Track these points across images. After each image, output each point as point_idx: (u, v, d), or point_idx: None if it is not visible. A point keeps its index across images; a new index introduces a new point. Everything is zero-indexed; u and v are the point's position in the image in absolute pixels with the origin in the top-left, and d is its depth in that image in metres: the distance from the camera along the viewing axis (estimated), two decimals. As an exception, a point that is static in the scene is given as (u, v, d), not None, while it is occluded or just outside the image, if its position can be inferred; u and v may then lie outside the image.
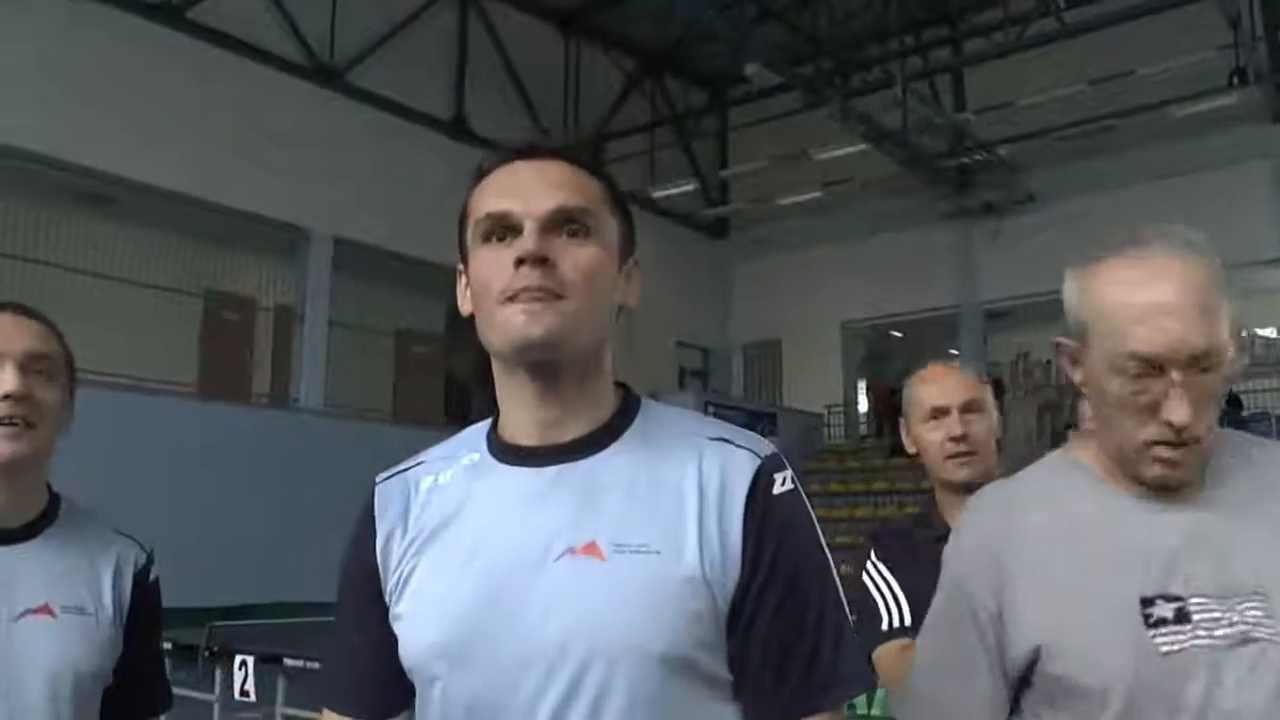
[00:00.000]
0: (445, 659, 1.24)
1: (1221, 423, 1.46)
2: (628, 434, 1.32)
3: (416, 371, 17.36)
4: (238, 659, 6.46)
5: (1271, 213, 18.05)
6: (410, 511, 1.35)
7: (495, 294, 1.26)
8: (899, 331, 23.72)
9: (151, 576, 1.81)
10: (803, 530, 1.29)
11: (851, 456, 20.74)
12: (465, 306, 1.36)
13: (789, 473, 1.30)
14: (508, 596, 1.22)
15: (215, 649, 6.80)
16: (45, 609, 1.65)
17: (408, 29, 17.35)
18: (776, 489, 1.27)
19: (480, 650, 1.22)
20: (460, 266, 1.37)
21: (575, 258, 1.27)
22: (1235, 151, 17.88)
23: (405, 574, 1.30)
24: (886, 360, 23.88)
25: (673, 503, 1.25)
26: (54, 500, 1.76)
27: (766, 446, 1.32)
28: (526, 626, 1.20)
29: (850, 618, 1.32)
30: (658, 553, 1.21)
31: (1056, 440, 18.99)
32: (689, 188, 21.30)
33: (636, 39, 20.74)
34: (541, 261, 1.24)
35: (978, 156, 19.96)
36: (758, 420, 20.03)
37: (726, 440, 1.31)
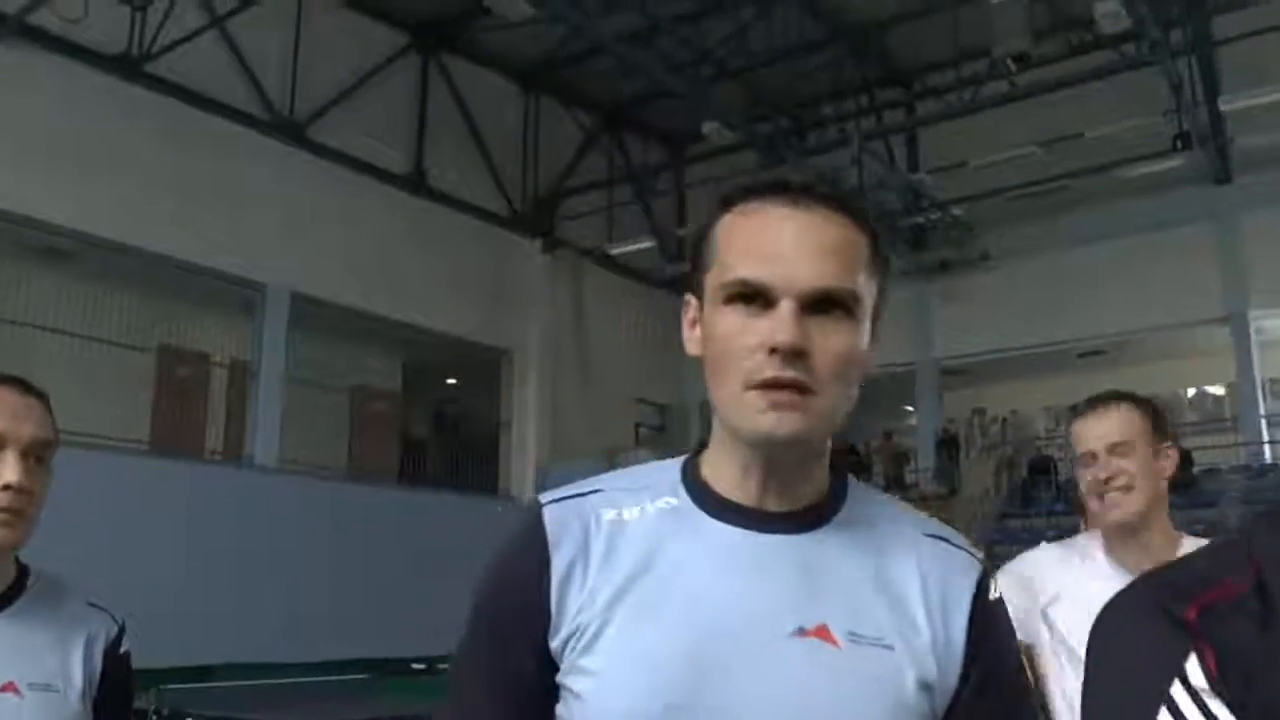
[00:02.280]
0: None
1: (1175, 482, 1.68)
2: (841, 515, 1.22)
3: (372, 429, 17.21)
4: (187, 722, 6.31)
5: (1217, 273, 18.40)
6: (592, 546, 1.18)
7: (738, 371, 1.14)
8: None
9: (123, 649, 1.77)
10: (1012, 639, 1.26)
11: (809, 513, 20.70)
12: (693, 348, 1.23)
13: (997, 579, 1.27)
14: (726, 670, 1.10)
15: (166, 713, 6.64)
16: (10, 686, 1.60)
17: (369, 84, 17.38)
18: (992, 595, 1.22)
19: None
20: (689, 297, 1.25)
21: (833, 346, 1.15)
22: (1182, 213, 18.26)
23: (586, 626, 1.14)
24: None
25: (899, 596, 1.17)
26: (23, 572, 1.72)
27: (979, 551, 1.27)
28: (744, 707, 1.09)
29: None
30: (891, 648, 1.14)
31: (1011, 496, 19.15)
32: (647, 245, 21.41)
33: (596, 96, 20.91)
34: (798, 355, 1.12)
35: (933, 215, 20.25)
36: (715, 476, 19.99)
37: (944, 539, 1.24)
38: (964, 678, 1.16)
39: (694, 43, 16.29)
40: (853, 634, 1.12)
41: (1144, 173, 17.52)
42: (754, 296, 1.13)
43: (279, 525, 13.80)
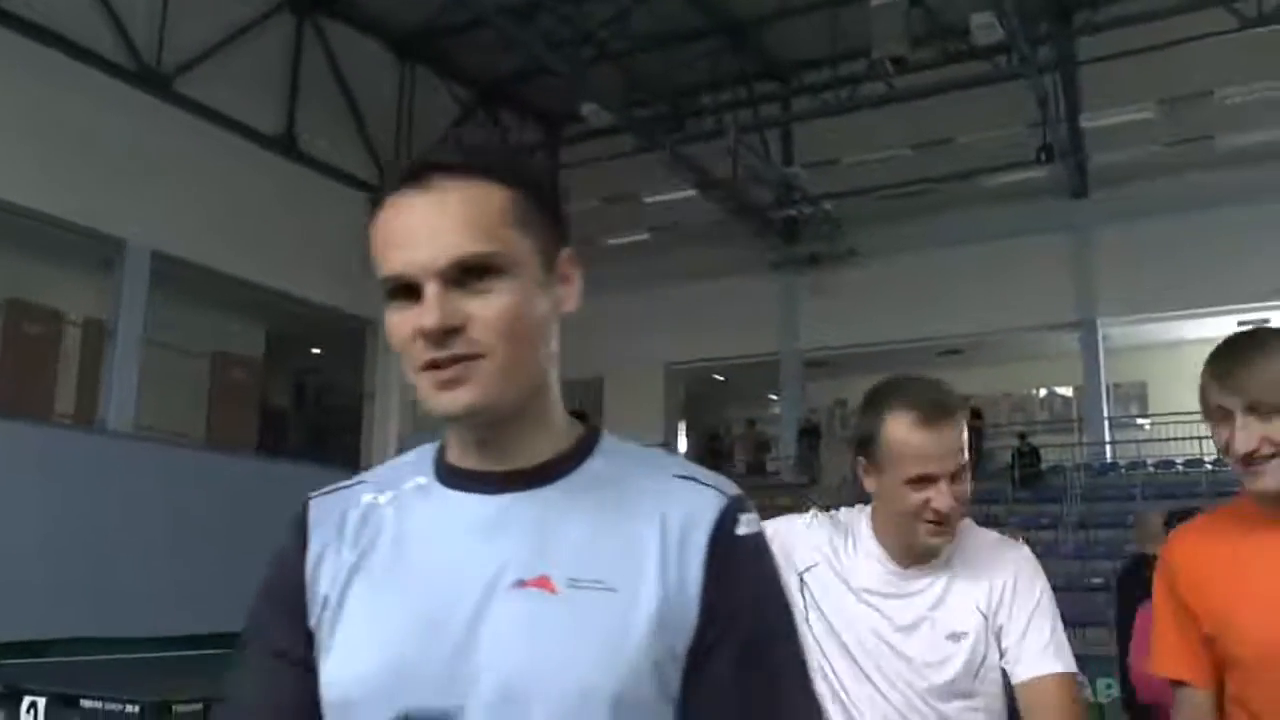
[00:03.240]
0: (373, 696, 1.13)
1: (1020, 477, 1.74)
2: (586, 466, 1.24)
3: (232, 396, 16.82)
4: (26, 700, 6.04)
5: (1068, 281, 19.14)
6: (346, 530, 1.24)
7: (409, 361, 1.16)
8: (721, 375, 24.15)
9: None
10: (767, 573, 1.23)
11: (670, 497, 20.91)
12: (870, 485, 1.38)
13: (754, 514, 1.24)
14: (448, 630, 1.13)
15: (1, 689, 6.34)
16: None
17: (241, 40, 16.91)
18: (741, 530, 1.20)
19: (413, 688, 1.12)
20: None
21: (492, 309, 1.15)
22: (1040, 222, 18.94)
23: (336, 600, 1.20)
24: (707, 402, 24.28)
25: (633, 540, 1.17)
26: None
27: (732, 486, 1.24)
28: (467, 662, 1.11)
29: (808, 667, 1.26)
30: (614, 590, 1.14)
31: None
32: (521, 222, 21.29)
33: (473, 69, 20.71)
34: (446, 334, 1.13)
35: (804, 210, 20.59)
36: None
37: (693, 478, 1.24)
38: (704, 613, 1.15)
39: (575, 22, 16.24)
40: (573, 580, 1.14)
41: (1008, 181, 18.15)
42: (406, 288, 1.15)
43: (133, 493, 13.38)
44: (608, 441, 1.30)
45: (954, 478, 2.07)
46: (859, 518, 2.30)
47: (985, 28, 13.90)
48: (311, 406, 20.04)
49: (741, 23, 18.85)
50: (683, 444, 23.99)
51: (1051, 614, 2.11)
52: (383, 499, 1.26)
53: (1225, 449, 1.85)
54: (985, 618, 2.10)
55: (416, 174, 1.17)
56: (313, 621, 1.21)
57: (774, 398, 23.23)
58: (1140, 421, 20.60)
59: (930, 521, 2.08)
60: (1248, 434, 1.79)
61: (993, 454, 19.87)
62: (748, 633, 1.18)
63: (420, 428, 18.97)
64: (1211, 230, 16.77)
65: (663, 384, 23.01)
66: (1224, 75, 16.15)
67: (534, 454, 1.22)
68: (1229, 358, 1.85)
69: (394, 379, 19.24)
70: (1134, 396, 21.77)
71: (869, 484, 2.20)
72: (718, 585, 1.16)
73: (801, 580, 2.22)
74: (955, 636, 2.10)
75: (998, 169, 18.02)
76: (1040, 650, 2.07)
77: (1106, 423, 19.73)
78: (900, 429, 2.08)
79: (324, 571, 1.22)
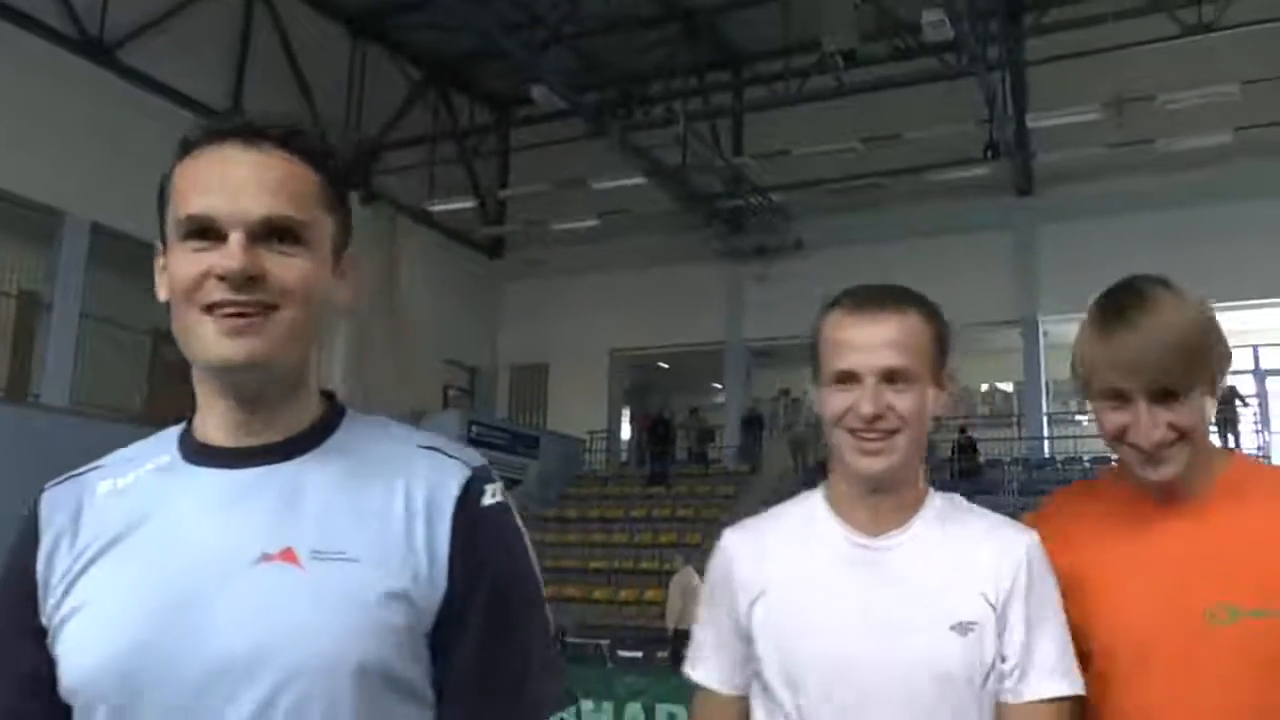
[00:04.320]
0: (115, 682, 1.11)
1: (959, 470, 1.67)
2: (333, 439, 1.25)
3: (171, 374, 16.56)
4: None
5: (1011, 278, 19.39)
6: (82, 519, 1.21)
7: (193, 300, 1.15)
8: (665, 363, 24.19)
9: None
10: (512, 544, 1.25)
11: (611, 483, 20.97)
12: (163, 293, 1.21)
13: (499, 485, 1.26)
14: (192, 608, 1.11)
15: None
16: None
17: (189, 11, 16.62)
18: (486, 500, 1.23)
19: (158, 670, 1.10)
20: (159, 244, 1.23)
21: (285, 270, 1.17)
22: (985, 219, 19.16)
23: (70, 590, 1.16)
24: (651, 390, 24.30)
25: (378, 511, 1.18)
26: None
27: (477, 458, 1.27)
28: (213, 640, 1.10)
29: (554, 637, 1.27)
30: (356, 560, 1.14)
31: (810, 475, 19.76)
32: (468, 204, 21.21)
33: (425, 49, 20.55)
34: (248, 279, 1.14)
35: (752, 200, 20.65)
36: (520, 443, 20.03)
37: (437, 450, 1.26)
38: (450, 583, 1.18)
39: (528, 5, 16.17)
40: (316, 552, 1.14)
41: (954, 177, 18.32)
42: (206, 234, 1.15)
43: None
44: (353, 415, 1.31)
45: (891, 379, 1.63)
46: (812, 494, 1.79)
47: (936, 25, 14.01)
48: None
49: (695, 11, 18.86)
50: (626, 431, 24.01)
51: (1064, 620, 1.63)
52: (122, 483, 1.24)
53: (1118, 435, 1.64)
54: (994, 609, 1.61)
55: (246, 133, 1.20)
56: (44, 619, 1.17)
57: (718, 386, 23.31)
58: (1079, 418, 20.91)
59: (854, 431, 1.65)
60: (1154, 422, 1.59)
61: (934, 446, 20.08)
62: (494, 603, 1.20)
63: (361, 412, 18.83)
64: (1152, 231, 17.03)
65: (608, 371, 23.01)
66: (1166, 80, 16.41)
67: (287, 427, 1.23)
68: (1118, 324, 1.61)
69: (335, 362, 19.07)
70: (1073, 393, 22.03)
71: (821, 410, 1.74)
72: (463, 556, 1.18)
73: (748, 618, 1.67)
74: (962, 628, 1.59)
75: (944, 165, 18.18)
76: (1052, 665, 1.60)
77: (1045, 418, 20.02)
78: (829, 323, 1.75)
79: (57, 564, 1.19)
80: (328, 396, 1.31)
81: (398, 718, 1.16)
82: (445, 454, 1.25)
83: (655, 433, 20.70)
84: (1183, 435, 1.61)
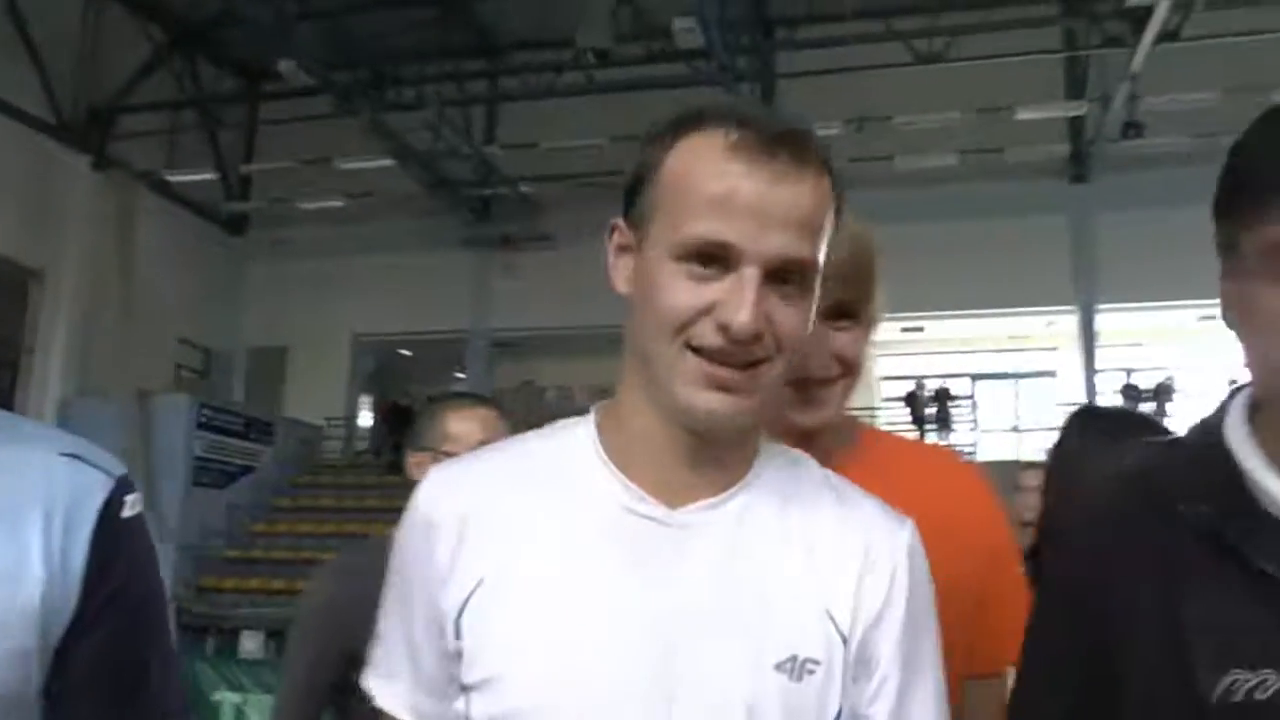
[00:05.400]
0: None
1: None
2: None
3: None
4: None
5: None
6: None
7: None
8: (408, 350, 23.87)
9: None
10: (149, 556, 1.23)
11: (348, 471, 20.51)
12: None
13: (138, 495, 1.22)
14: None
15: None
16: None
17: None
18: (126, 512, 1.19)
19: None
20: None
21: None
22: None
23: None
24: (392, 377, 23.93)
25: (15, 521, 1.11)
26: None
27: (119, 466, 1.23)
28: None
29: (173, 650, 1.28)
30: None
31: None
32: (209, 177, 20.35)
33: (168, 10, 19.54)
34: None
35: (502, 190, 20.64)
36: (254, 429, 19.34)
37: (79, 457, 1.19)
38: (84, 597, 1.13)
39: (278, -27, 15.63)
40: None
41: (700, 182, 18.84)
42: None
43: None
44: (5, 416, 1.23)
45: (780, 278, 1.03)
46: (574, 430, 1.18)
47: (687, 32, 14.35)
48: (-43, 359, 18.34)
49: (453, -5, 18.68)
50: (365, 418, 23.55)
51: (941, 661, 1.14)
52: None
53: None
54: (845, 641, 1.06)
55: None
56: None
57: (461, 376, 23.16)
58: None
59: (700, 351, 1.03)
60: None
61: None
62: (123, 616, 1.17)
63: (86, 390, 17.79)
64: (889, 245, 17.93)
65: (349, 356, 22.51)
66: (903, 103, 17.45)
67: None
68: None
69: (58, 335, 17.96)
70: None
71: (620, 284, 1.14)
72: (100, 569, 1.15)
73: (463, 610, 1.07)
74: (795, 669, 1.03)
75: (690, 170, 18.67)
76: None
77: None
78: (696, 154, 1.08)
79: None
80: None
81: None
82: (87, 461, 1.20)
83: (395, 421, 20.37)
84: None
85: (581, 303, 20.22)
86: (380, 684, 1.16)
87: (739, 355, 1.02)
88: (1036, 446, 14.32)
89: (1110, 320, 19.19)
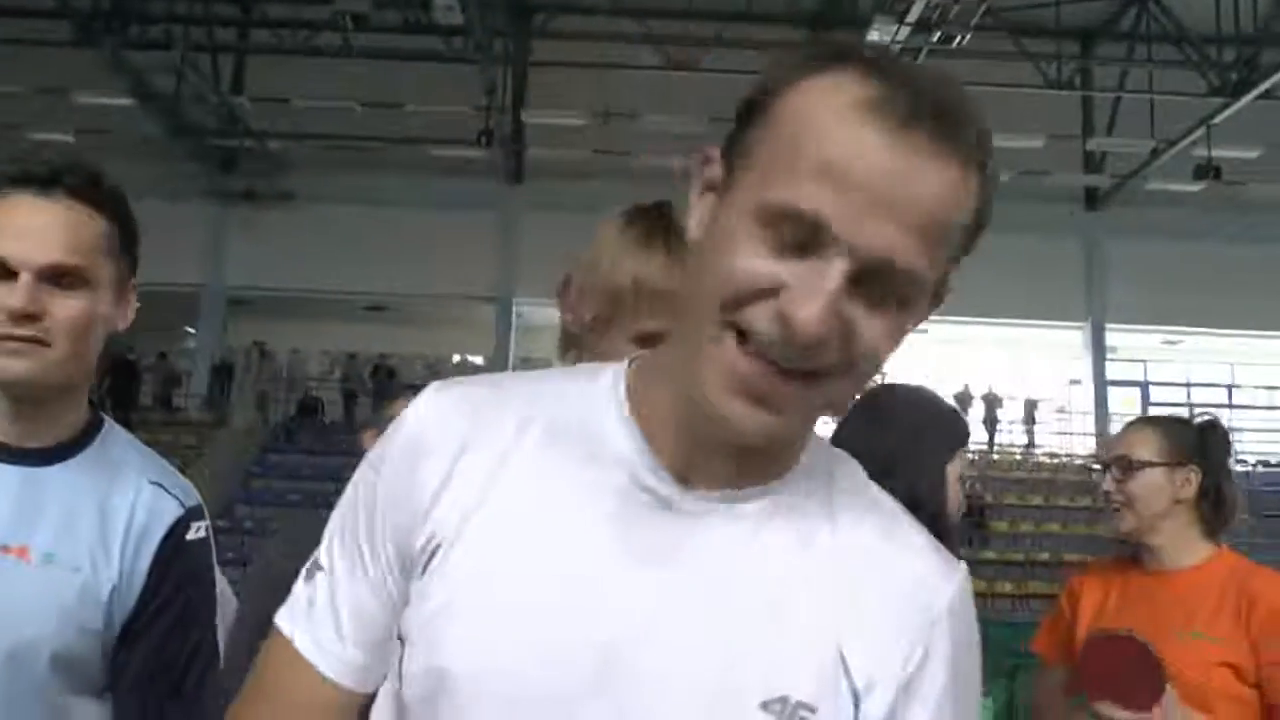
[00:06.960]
0: None
1: None
2: (84, 455, 1.47)
3: None
4: None
5: (494, 258, 20.53)
6: None
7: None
8: (138, 303, 22.87)
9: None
10: (202, 574, 1.51)
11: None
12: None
13: (206, 523, 1.52)
14: None
15: None
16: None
17: None
18: (189, 535, 1.48)
19: None
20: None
21: (66, 310, 1.39)
22: (477, 199, 20.14)
23: None
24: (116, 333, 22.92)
25: (105, 529, 1.42)
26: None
27: (193, 496, 1.52)
28: None
29: (220, 661, 1.54)
30: (79, 569, 1.38)
31: (277, 432, 19.60)
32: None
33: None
34: (28, 317, 1.36)
35: (247, 143, 20.13)
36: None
37: (161, 486, 1.49)
38: (142, 597, 1.43)
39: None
40: (48, 555, 1.38)
41: (449, 155, 19.05)
42: (3, 269, 1.40)
43: None
44: (109, 431, 1.53)
45: (876, 281, 0.81)
46: (601, 377, 0.99)
47: (446, 9, 14.49)
48: None
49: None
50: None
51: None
52: None
53: None
54: (855, 699, 0.87)
55: (46, 182, 1.41)
56: None
57: (191, 331, 22.43)
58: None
59: (746, 338, 0.82)
60: None
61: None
62: (172, 617, 1.46)
63: None
64: (619, 234, 18.65)
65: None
66: (649, 103, 18.17)
67: (55, 434, 1.45)
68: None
69: None
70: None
71: (692, 226, 0.91)
72: (158, 577, 1.45)
73: (432, 559, 0.91)
74: (783, 711, 0.85)
75: (441, 142, 18.80)
76: None
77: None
78: (820, 99, 0.82)
79: None
80: (93, 408, 1.53)
81: (76, 706, 1.39)
82: (167, 490, 1.50)
83: (118, 375, 19.57)
84: None
85: (322, 264, 20.04)
86: (297, 617, 0.97)
87: (792, 358, 0.80)
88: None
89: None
